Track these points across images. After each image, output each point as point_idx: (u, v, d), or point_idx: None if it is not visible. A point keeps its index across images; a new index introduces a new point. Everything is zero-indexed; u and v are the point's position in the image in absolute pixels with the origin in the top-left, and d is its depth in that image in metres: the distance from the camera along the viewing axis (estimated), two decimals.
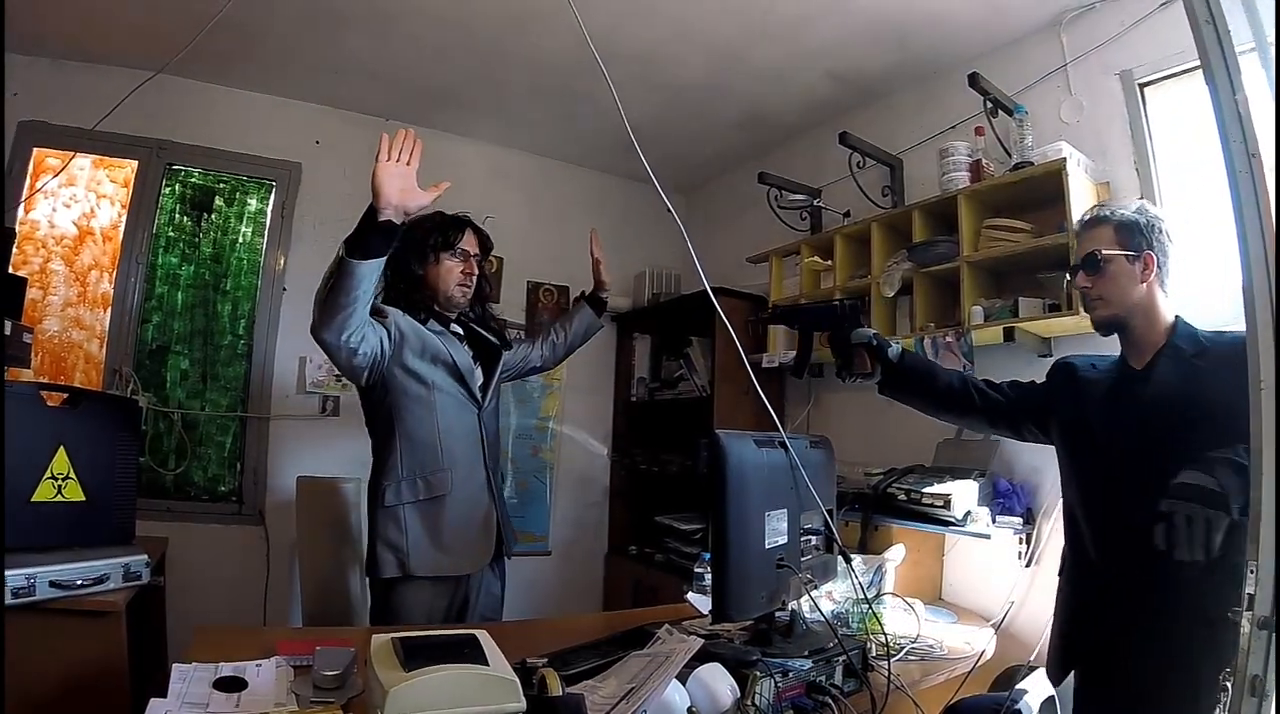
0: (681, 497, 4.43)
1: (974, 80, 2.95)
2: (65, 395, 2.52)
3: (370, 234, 2.04)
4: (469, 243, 2.64)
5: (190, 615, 3.53)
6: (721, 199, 4.89)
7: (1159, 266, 1.91)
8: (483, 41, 3.50)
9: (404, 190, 2.06)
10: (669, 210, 1.98)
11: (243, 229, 4.09)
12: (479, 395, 2.57)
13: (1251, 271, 1.66)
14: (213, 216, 4.04)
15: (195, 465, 3.89)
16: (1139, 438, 1.85)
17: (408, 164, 2.09)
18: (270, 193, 4.12)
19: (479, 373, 2.60)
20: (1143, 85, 2.79)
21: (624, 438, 4.94)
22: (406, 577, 2.40)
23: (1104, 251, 1.94)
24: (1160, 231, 1.93)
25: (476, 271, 2.65)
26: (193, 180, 4.00)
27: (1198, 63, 1.71)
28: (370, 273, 2.07)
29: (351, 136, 4.20)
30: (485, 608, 2.59)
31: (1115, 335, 2.02)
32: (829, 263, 3.68)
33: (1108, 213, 1.99)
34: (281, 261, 4.03)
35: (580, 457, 4.89)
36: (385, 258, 2.09)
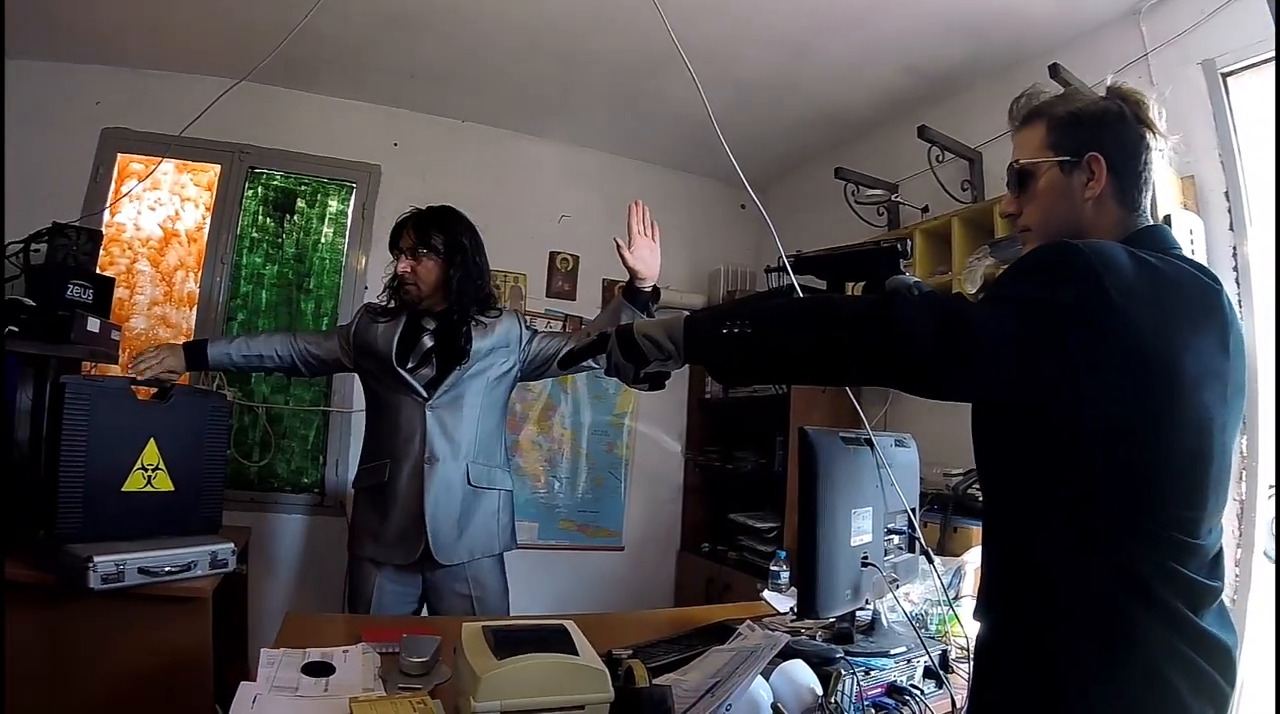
0: (755, 495, 4.38)
1: (1054, 71, 2.87)
2: (155, 389, 2.59)
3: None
4: (405, 240, 2.59)
5: (270, 603, 3.65)
6: (795, 195, 4.82)
7: (1116, 172, 1.31)
8: (556, 43, 3.53)
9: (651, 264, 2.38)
10: (754, 200, 1.98)
11: (324, 229, 4.18)
12: (419, 389, 2.53)
13: None
14: (295, 217, 4.14)
15: (279, 458, 3.98)
16: None
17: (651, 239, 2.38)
18: (350, 194, 4.20)
19: (432, 370, 2.56)
20: (1225, 74, 2.70)
21: (698, 435, 4.92)
22: (354, 556, 2.59)
23: (1024, 161, 1.40)
24: (1120, 119, 1.33)
25: (420, 267, 2.56)
26: (275, 183, 4.10)
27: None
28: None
29: (428, 138, 4.29)
30: (455, 607, 2.54)
31: None
32: (909, 259, 3.62)
33: (1038, 102, 1.44)
34: (363, 261, 4.11)
35: (654, 454, 4.88)
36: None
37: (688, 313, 1.36)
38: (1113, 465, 1.13)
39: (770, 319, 1.20)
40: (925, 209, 3.76)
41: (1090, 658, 1.11)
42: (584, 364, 1.96)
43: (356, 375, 2.78)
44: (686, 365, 1.36)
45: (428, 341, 2.58)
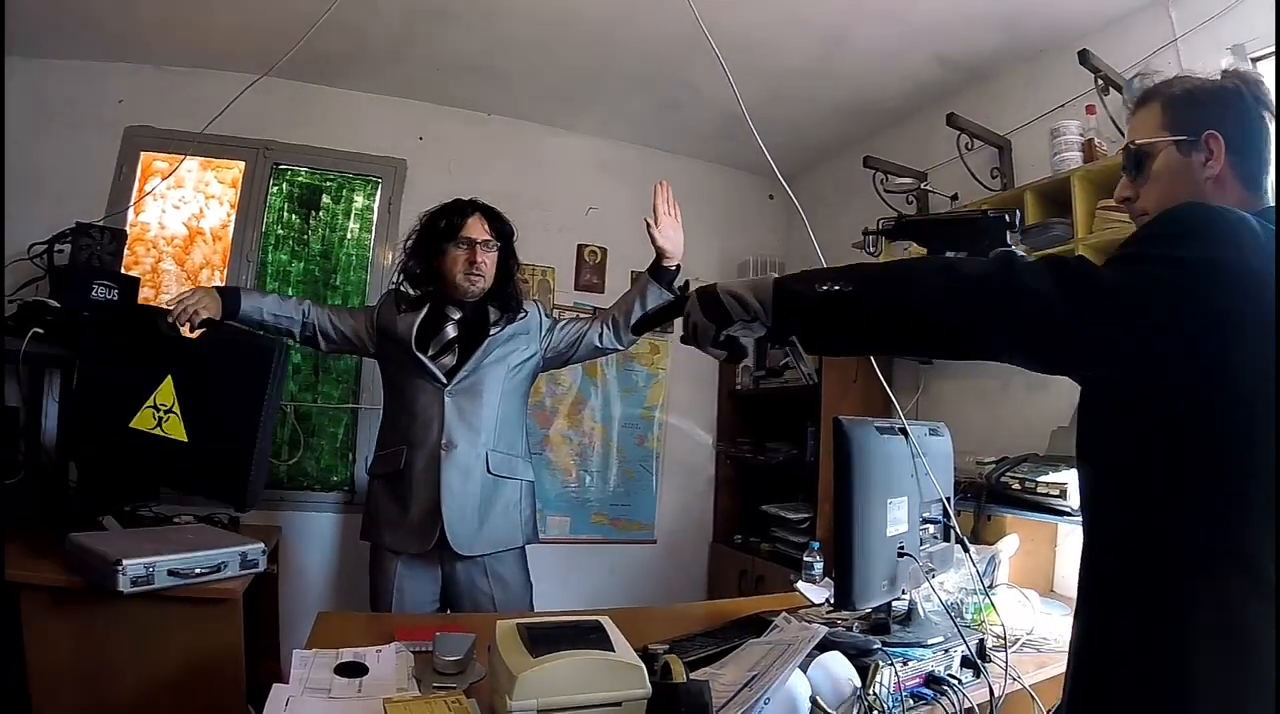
0: (787, 486, 4.37)
1: (1084, 58, 2.84)
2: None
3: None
4: (474, 229, 2.57)
5: (301, 601, 3.65)
6: (826, 184, 4.78)
7: (1235, 150, 1.24)
8: (586, 35, 3.49)
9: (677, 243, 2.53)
10: (785, 190, 1.94)
11: (350, 225, 4.17)
12: (438, 374, 2.53)
13: None
14: (321, 214, 4.13)
15: (308, 456, 3.98)
16: None
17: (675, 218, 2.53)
18: (376, 189, 4.18)
19: (454, 355, 2.57)
20: (1255, 59, 2.67)
21: (729, 427, 4.90)
22: (372, 544, 2.60)
23: (1140, 141, 1.34)
24: (1238, 98, 1.26)
25: (486, 257, 2.57)
26: (300, 179, 4.09)
27: None
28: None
29: (455, 132, 4.26)
30: (475, 602, 2.53)
31: None
32: (1017, 232, 3.59)
33: (1152, 84, 1.39)
34: (389, 256, 4.07)
35: (685, 446, 4.86)
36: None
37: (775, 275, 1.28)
38: (1255, 450, 1.02)
39: (875, 279, 1.12)
40: (954, 197, 3.73)
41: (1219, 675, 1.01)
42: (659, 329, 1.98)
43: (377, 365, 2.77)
44: (765, 335, 1.26)
45: (451, 331, 2.58)
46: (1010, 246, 1.57)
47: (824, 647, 1.62)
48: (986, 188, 3.49)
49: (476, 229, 2.57)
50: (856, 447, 1.72)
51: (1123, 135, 2.71)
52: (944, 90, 3.81)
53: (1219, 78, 1.29)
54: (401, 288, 2.67)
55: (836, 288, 1.12)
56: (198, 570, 2.27)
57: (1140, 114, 1.35)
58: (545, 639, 1.25)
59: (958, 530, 2.09)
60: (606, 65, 3.80)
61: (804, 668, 1.50)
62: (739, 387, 4.77)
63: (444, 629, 1.70)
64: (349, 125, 4.09)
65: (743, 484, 4.85)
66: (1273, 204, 1.23)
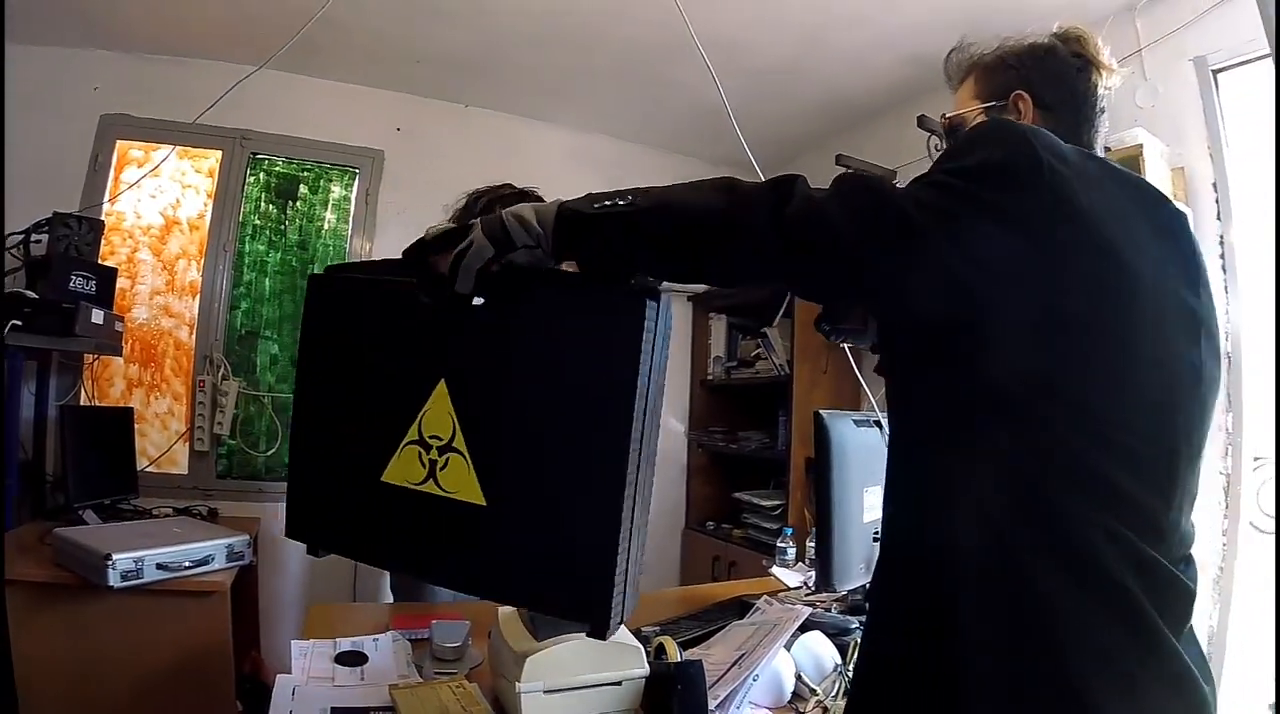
0: (760, 474, 4.46)
1: (922, 121, 2.94)
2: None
3: None
4: None
5: (281, 594, 3.67)
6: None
7: (1045, 106, 1.21)
8: (571, 29, 3.53)
9: None
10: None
11: (327, 216, 4.18)
12: None
13: None
14: (298, 204, 4.14)
15: (285, 447, 3.98)
16: None
17: None
18: (354, 180, 4.18)
19: None
20: (1216, 71, 2.77)
21: (702, 416, 4.96)
22: None
23: (950, 114, 1.35)
24: (1050, 54, 1.25)
25: None
26: (277, 169, 4.10)
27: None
28: None
29: (433, 123, 4.27)
30: None
31: None
32: None
33: (971, 58, 1.37)
34: (367, 247, 4.10)
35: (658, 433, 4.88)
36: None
37: None
38: (1060, 395, 0.93)
39: (655, 193, 1.01)
40: None
41: (1002, 669, 0.90)
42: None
43: None
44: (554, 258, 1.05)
45: None
46: None
47: (806, 627, 1.70)
48: None
49: None
50: (835, 438, 1.79)
51: None
52: (916, 91, 3.88)
53: (1035, 38, 1.28)
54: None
55: (615, 203, 1.00)
56: (186, 564, 2.30)
57: (960, 89, 1.36)
58: (548, 623, 1.30)
59: None
60: (591, 61, 3.83)
61: (788, 647, 1.57)
62: (710, 376, 4.83)
63: (438, 618, 1.74)
64: (327, 115, 4.09)
65: (716, 472, 4.92)
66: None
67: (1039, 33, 1.27)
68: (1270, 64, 1.91)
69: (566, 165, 4.60)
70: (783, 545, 2.73)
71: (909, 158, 3.83)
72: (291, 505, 1.24)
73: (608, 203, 1.00)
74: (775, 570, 2.57)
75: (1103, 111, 1.21)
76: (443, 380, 1.06)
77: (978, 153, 0.97)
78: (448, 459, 1.06)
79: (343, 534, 1.23)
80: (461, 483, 1.05)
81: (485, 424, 1.04)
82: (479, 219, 1.05)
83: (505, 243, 1.01)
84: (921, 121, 3.49)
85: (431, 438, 1.07)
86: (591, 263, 1.03)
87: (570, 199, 1.04)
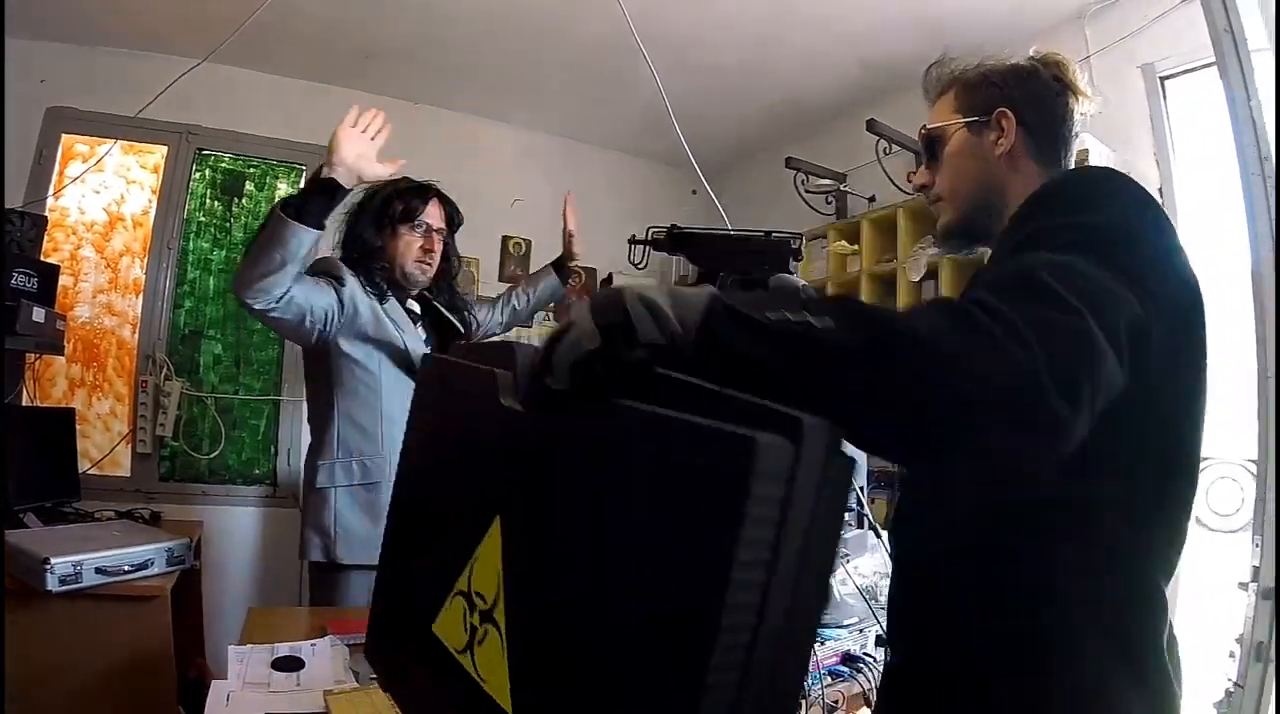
0: None
1: (871, 125, 3.09)
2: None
3: (313, 194, 2.00)
4: (432, 215, 2.43)
5: (226, 598, 3.61)
6: (751, 183, 4.85)
7: (1028, 127, 1.22)
8: (521, 27, 3.52)
9: (361, 156, 2.03)
10: (703, 184, 1.97)
11: None
12: None
13: (1260, 269, 1.71)
14: (244, 201, 4.09)
15: (230, 449, 3.94)
16: None
17: (371, 138, 2.07)
18: (300, 177, 4.14)
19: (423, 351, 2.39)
20: (1164, 78, 2.83)
21: None
22: (334, 564, 2.25)
23: (931, 125, 1.31)
24: (1033, 75, 1.25)
25: (438, 248, 2.45)
26: (223, 165, 4.05)
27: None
28: (304, 240, 1.96)
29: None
30: None
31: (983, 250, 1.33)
32: (855, 247, 3.73)
33: (952, 72, 1.33)
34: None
35: None
36: (320, 231, 2.01)
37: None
38: (1149, 467, 0.97)
39: (865, 316, 0.74)
40: (872, 199, 3.88)
41: None
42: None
43: (303, 340, 2.31)
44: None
45: (422, 332, 2.45)
46: (793, 272, 1.47)
47: None
48: (903, 191, 3.61)
49: (435, 215, 2.44)
50: None
51: (904, 193, 2.85)
52: (868, 95, 3.93)
53: (1017, 60, 1.28)
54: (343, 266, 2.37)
55: (801, 320, 0.71)
56: (125, 568, 2.27)
57: (938, 103, 1.33)
58: None
59: (870, 517, 2.19)
60: (541, 59, 3.84)
61: None
62: None
63: (343, 631, 1.72)
64: (274, 111, 4.04)
65: None
66: None
67: (1018, 55, 1.29)
68: (1268, 64, 1.97)
69: (515, 163, 4.63)
70: None
71: (860, 161, 3.89)
72: (371, 620, 1.02)
73: (790, 315, 0.72)
74: None
75: (1076, 135, 1.25)
76: (499, 517, 0.75)
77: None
78: (486, 631, 0.74)
79: (396, 678, 0.96)
80: (493, 671, 0.73)
81: (533, 595, 0.72)
82: (589, 298, 0.76)
83: (623, 335, 0.71)
84: (871, 125, 3.54)
85: (477, 596, 0.76)
86: (746, 375, 0.68)
87: (724, 292, 0.75)
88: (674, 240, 1.61)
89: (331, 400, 2.30)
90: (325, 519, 2.26)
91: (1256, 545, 1.79)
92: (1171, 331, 0.92)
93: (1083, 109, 1.25)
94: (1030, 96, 1.23)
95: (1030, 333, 0.71)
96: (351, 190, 2.07)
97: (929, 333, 0.72)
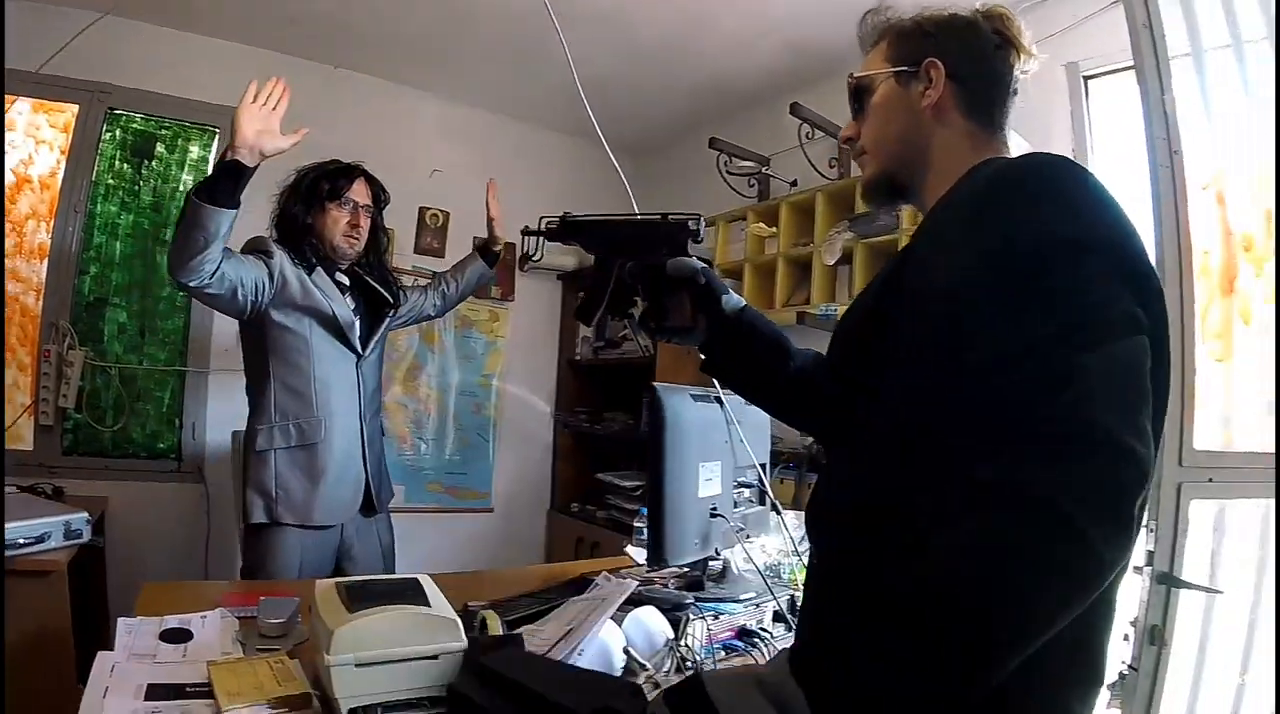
0: (624, 455, 4.52)
1: (795, 109, 3.06)
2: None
3: (220, 176, 2.05)
4: (358, 193, 2.59)
5: (132, 574, 3.52)
6: (675, 163, 4.90)
7: (959, 80, 1.16)
8: None
9: (262, 132, 2.06)
10: (614, 166, 1.97)
11: (184, 177, 4.00)
12: (358, 346, 2.57)
13: (1164, 262, 1.77)
14: (154, 164, 3.96)
15: (134, 422, 3.84)
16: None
17: (273, 109, 2.10)
18: (214, 140, 4.03)
19: (359, 325, 2.59)
20: (1088, 78, 2.89)
21: (568, 397, 4.98)
22: (275, 523, 2.41)
23: (858, 74, 1.26)
24: (970, 28, 1.19)
25: (365, 223, 2.61)
26: (134, 126, 3.91)
27: None
28: (220, 221, 2.04)
29: (300, 84, 3.99)
30: (367, 562, 2.60)
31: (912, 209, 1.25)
32: (774, 230, 3.77)
33: (883, 19, 1.27)
34: None
35: (523, 414, 4.92)
36: (236, 210, 2.07)
37: None
38: None
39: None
40: (794, 183, 3.92)
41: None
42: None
43: (238, 312, 2.42)
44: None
45: (350, 301, 2.60)
46: (692, 256, 1.42)
47: (641, 602, 1.72)
48: (824, 177, 3.67)
49: (360, 193, 2.60)
50: (670, 411, 1.80)
51: (823, 176, 2.88)
52: (794, 79, 3.96)
53: (956, 10, 1.22)
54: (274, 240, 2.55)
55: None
56: (20, 541, 2.22)
57: (871, 52, 1.28)
58: (362, 596, 1.28)
59: (771, 495, 2.24)
60: (463, 28, 3.79)
61: (620, 622, 1.59)
62: (579, 357, 4.86)
63: (269, 594, 1.71)
64: (189, 70, 3.91)
65: (581, 453, 4.95)
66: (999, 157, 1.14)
67: (962, 6, 1.23)
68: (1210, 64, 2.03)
69: (435, 134, 4.57)
70: (639, 525, 2.76)
71: (783, 146, 3.92)
72: None
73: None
74: (629, 549, 2.60)
75: (1015, 93, 1.19)
76: None
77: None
78: None
79: None
80: None
81: None
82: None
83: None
84: (795, 109, 3.58)
85: None
86: None
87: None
88: (566, 228, 1.56)
89: (267, 367, 2.47)
90: (266, 480, 2.42)
91: (1150, 531, 1.82)
92: (1157, 340, 0.90)
93: (1025, 67, 1.21)
94: (966, 49, 1.18)
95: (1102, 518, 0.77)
96: (256, 168, 2.11)
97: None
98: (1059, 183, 0.95)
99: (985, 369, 0.86)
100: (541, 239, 1.56)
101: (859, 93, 1.26)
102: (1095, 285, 0.85)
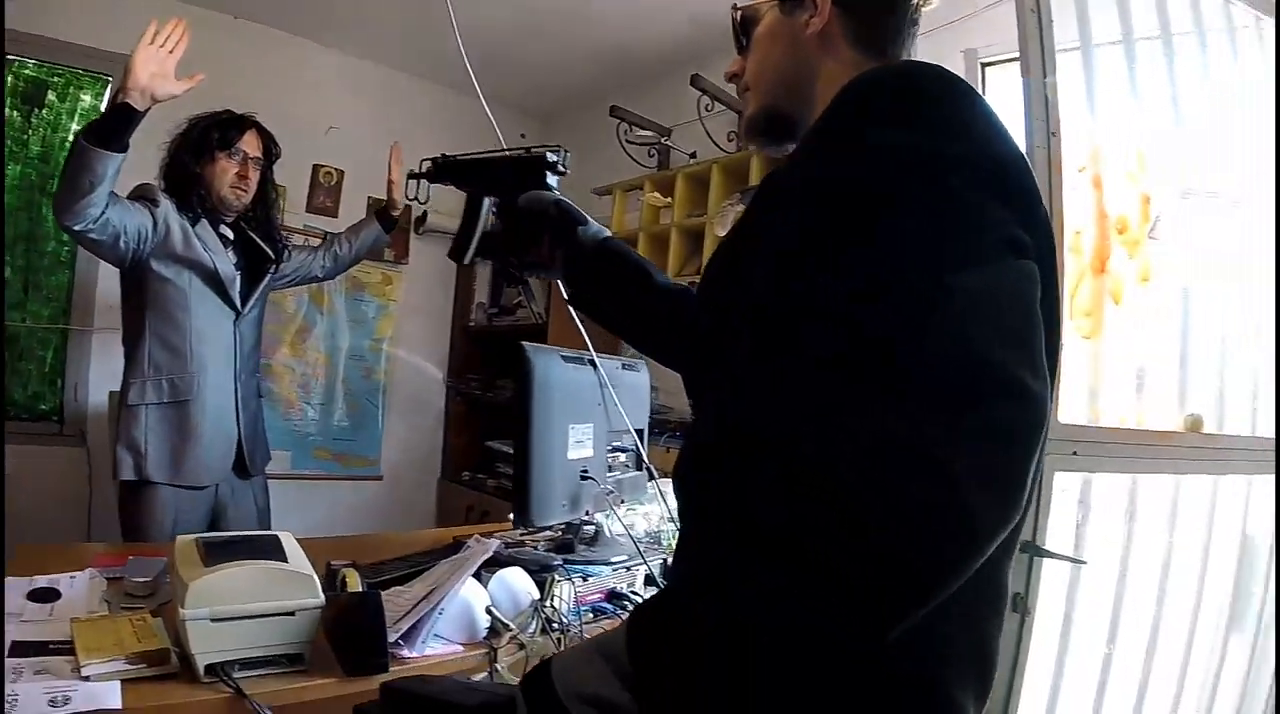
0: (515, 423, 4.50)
1: (695, 80, 3.18)
2: None
3: (111, 119, 2.03)
4: (249, 144, 2.55)
5: (11, 538, 3.45)
6: (579, 130, 4.83)
7: (846, 7, 1.05)
8: None
9: (156, 75, 2.03)
10: (493, 125, 1.97)
11: (73, 127, 3.86)
12: (238, 302, 2.54)
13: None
14: (44, 112, 3.83)
15: (14, 382, 3.74)
16: None
17: (170, 52, 2.06)
18: (106, 89, 3.90)
19: (240, 281, 2.56)
20: (985, 64, 2.97)
21: (461, 363, 4.95)
22: (145, 482, 2.37)
23: (741, 4, 1.22)
24: None
25: (254, 175, 2.57)
26: (25, 72, 3.77)
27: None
28: (108, 164, 2.03)
29: (198, 34, 3.86)
30: (242, 525, 2.56)
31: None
32: (669, 200, 3.82)
33: None
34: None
35: (414, 381, 4.87)
36: (124, 153, 2.05)
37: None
38: None
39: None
40: (693, 155, 3.97)
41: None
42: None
43: (118, 260, 2.39)
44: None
45: (233, 256, 2.56)
46: (554, 187, 1.45)
47: (506, 563, 1.75)
48: (722, 149, 3.72)
49: (251, 144, 2.55)
50: (538, 371, 1.80)
51: (721, 149, 2.91)
52: (698, 51, 3.95)
53: None
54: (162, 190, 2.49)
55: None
56: None
57: None
58: (220, 551, 1.29)
59: (646, 460, 2.27)
60: None
61: (486, 583, 1.62)
62: (473, 323, 4.84)
63: (139, 555, 1.71)
64: (86, 16, 3.75)
65: (473, 420, 4.92)
66: None
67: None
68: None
69: (333, 89, 4.48)
70: None
71: (684, 118, 3.96)
72: None
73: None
74: (513, 516, 2.64)
75: (914, 24, 1.10)
76: None
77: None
78: None
79: None
80: None
81: None
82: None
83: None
84: (695, 80, 3.62)
85: None
86: None
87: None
88: (442, 169, 1.62)
89: (144, 320, 2.42)
90: (137, 436, 2.37)
91: None
92: (1045, 270, 0.83)
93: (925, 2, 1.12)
94: None
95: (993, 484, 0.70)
96: (146, 112, 2.07)
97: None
98: (935, 93, 0.88)
99: (848, 297, 0.76)
100: (424, 184, 1.64)
101: (744, 25, 1.21)
102: (971, 203, 0.77)
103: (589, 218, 1.40)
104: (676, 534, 2.08)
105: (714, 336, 0.98)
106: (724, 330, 0.94)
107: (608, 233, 1.40)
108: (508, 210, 1.46)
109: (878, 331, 0.73)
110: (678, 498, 0.98)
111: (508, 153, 1.55)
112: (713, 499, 0.89)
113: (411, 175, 1.66)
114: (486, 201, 1.54)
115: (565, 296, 1.45)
